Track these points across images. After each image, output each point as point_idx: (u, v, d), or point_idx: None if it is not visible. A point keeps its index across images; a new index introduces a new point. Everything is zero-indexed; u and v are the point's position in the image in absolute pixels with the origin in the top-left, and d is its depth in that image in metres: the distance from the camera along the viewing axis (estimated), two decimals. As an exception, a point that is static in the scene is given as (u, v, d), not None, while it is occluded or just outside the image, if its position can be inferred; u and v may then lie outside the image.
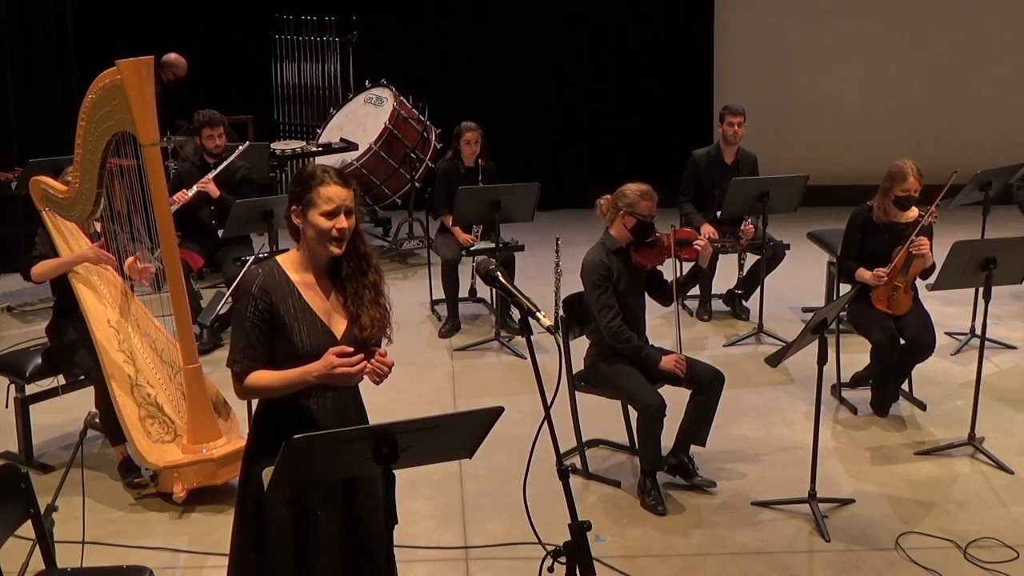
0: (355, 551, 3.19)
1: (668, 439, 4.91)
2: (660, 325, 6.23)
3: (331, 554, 3.15)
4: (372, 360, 3.11)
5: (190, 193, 6.63)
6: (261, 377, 3.06)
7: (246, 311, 3.05)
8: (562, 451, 3.24)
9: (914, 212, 5.60)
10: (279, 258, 3.16)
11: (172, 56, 9.09)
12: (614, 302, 4.83)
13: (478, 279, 7.37)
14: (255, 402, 3.43)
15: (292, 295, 3.08)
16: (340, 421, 3.12)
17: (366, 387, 3.26)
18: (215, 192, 6.72)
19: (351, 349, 2.98)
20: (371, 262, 3.18)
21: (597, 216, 4.98)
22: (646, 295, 5.08)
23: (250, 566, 3.18)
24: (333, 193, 3.04)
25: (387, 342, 3.23)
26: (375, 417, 3.29)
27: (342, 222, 3.05)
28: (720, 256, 7.04)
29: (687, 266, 5.13)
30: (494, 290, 6.61)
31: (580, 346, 5.07)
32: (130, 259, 5.09)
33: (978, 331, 5.71)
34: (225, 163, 6.87)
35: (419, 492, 4.90)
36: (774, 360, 4.67)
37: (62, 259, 5.01)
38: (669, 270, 5.06)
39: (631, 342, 4.83)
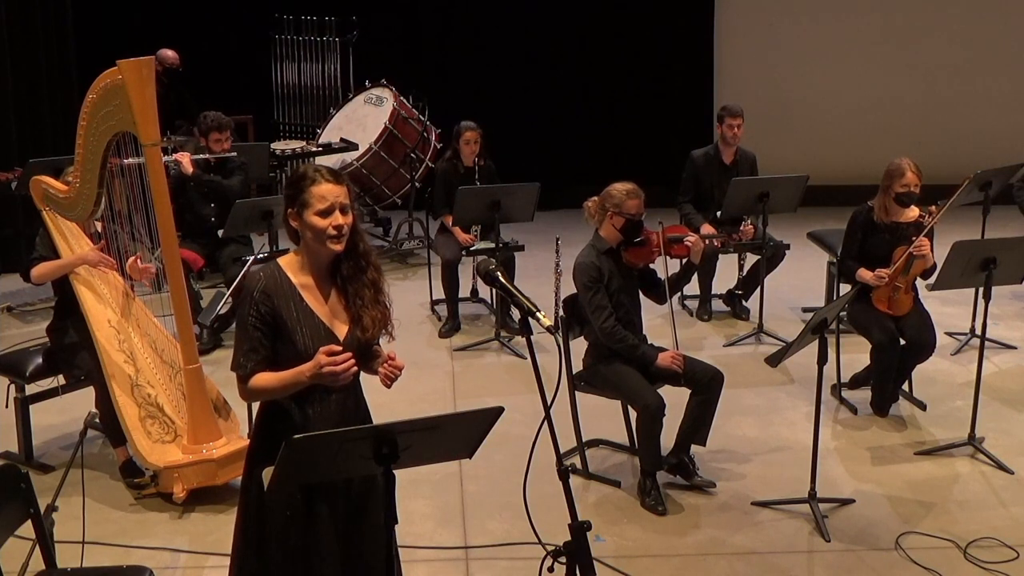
0: (358, 553, 3.19)
1: (668, 439, 4.91)
2: (660, 325, 6.24)
3: (334, 556, 3.15)
4: (384, 364, 3.14)
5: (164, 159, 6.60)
6: (262, 379, 3.07)
7: (248, 315, 3.05)
8: (562, 451, 3.24)
9: (914, 212, 5.60)
10: (280, 260, 3.16)
11: (160, 50, 9.05)
12: (607, 302, 4.83)
13: (479, 279, 7.37)
14: (255, 404, 3.43)
15: (294, 298, 3.08)
16: (343, 423, 3.11)
17: (366, 387, 3.27)
18: (188, 168, 6.69)
19: (339, 348, 2.98)
20: (370, 259, 3.18)
21: (586, 219, 5.00)
22: (641, 294, 5.08)
23: (252, 569, 3.18)
24: (326, 191, 3.04)
25: (389, 339, 3.23)
26: (375, 417, 3.29)
27: (338, 219, 3.04)
28: (720, 256, 7.05)
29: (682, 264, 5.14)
30: (494, 290, 6.61)
31: (580, 346, 5.07)
32: (131, 259, 5.09)
33: (978, 331, 5.71)
34: (220, 155, 6.90)
35: (419, 492, 4.90)
36: (774, 360, 4.67)
37: (62, 261, 5.00)
38: (663, 269, 5.06)
39: (626, 341, 4.84)
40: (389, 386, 3.16)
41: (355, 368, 2.99)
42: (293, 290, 3.09)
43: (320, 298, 3.12)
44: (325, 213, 3.03)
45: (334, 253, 3.09)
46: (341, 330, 3.12)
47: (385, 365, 3.14)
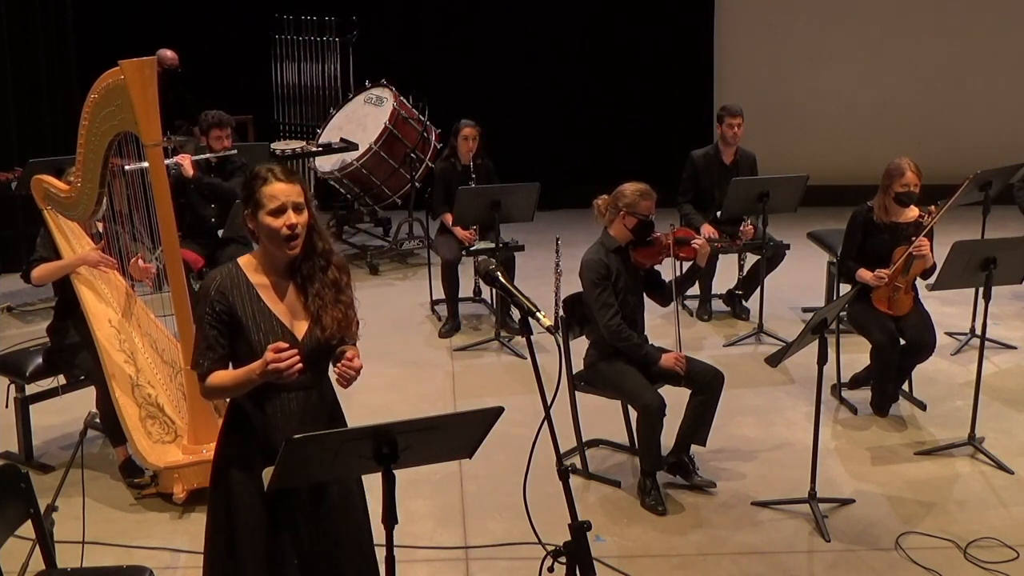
0: (327, 554, 3.20)
1: (668, 439, 4.92)
2: (660, 325, 6.24)
3: (302, 557, 3.16)
4: (339, 364, 3.12)
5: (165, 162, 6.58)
6: (218, 378, 3.07)
7: (204, 313, 3.06)
8: (562, 451, 3.24)
9: (914, 212, 5.60)
10: (240, 260, 3.15)
11: (160, 50, 9.04)
12: (613, 300, 4.84)
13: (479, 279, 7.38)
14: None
15: (250, 297, 3.08)
16: (305, 422, 3.11)
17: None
18: (189, 171, 6.67)
19: (286, 345, 2.96)
20: (330, 259, 3.16)
21: (595, 217, 5.01)
22: (645, 295, 5.09)
23: (225, 569, 3.19)
24: (277, 191, 3.03)
25: (351, 340, 3.21)
26: (375, 417, 3.29)
27: (291, 219, 3.03)
28: (720, 256, 7.04)
29: (686, 266, 5.15)
30: (494, 290, 6.61)
31: (580, 346, 5.07)
32: (134, 260, 5.09)
33: (978, 331, 5.72)
34: (220, 154, 6.89)
35: (419, 492, 4.90)
36: (774, 360, 4.67)
37: (62, 262, 5.00)
38: (667, 271, 5.07)
39: (630, 340, 4.84)
40: (345, 386, 3.13)
41: (300, 364, 2.95)
42: (250, 289, 3.08)
43: (279, 296, 3.12)
44: (277, 212, 3.03)
45: (289, 256, 3.08)
46: (301, 329, 3.11)
47: (340, 364, 3.11)
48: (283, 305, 3.11)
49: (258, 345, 3.03)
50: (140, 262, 5.10)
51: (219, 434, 3.22)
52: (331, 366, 3.20)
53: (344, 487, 3.20)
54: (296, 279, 3.14)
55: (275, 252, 3.09)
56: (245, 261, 3.14)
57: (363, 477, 3.07)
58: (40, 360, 5.22)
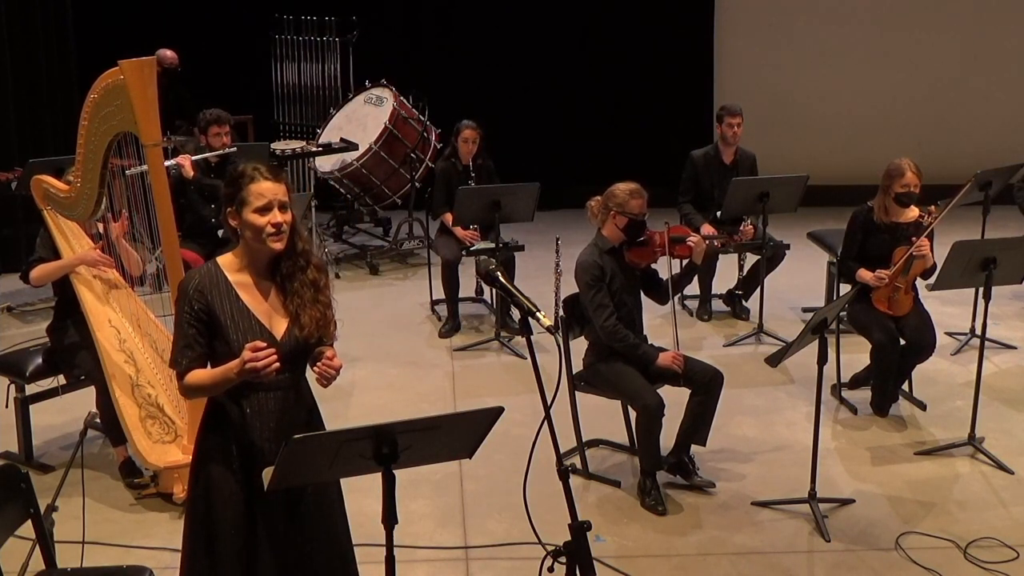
0: (303, 553, 3.20)
1: (668, 439, 4.92)
2: (660, 325, 6.24)
3: (279, 555, 3.16)
4: (319, 364, 3.12)
5: (166, 163, 6.58)
6: (196, 376, 3.08)
7: (183, 312, 3.07)
8: (562, 451, 3.25)
9: (914, 212, 5.60)
10: (219, 259, 3.16)
11: (159, 50, 9.03)
12: (608, 301, 4.84)
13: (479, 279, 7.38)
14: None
15: (229, 296, 3.08)
16: (283, 422, 3.12)
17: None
18: (189, 172, 6.66)
19: (264, 344, 2.96)
20: (309, 259, 3.17)
21: (589, 218, 5.01)
22: (642, 294, 5.09)
23: (202, 567, 3.20)
24: (264, 189, 3.06)
25: (329, 340, 3.21)
26: (375, 417, 3.29)
27: (276, 217, 3.06)
28: (720, 256, 7.04)
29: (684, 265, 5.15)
30: (494, 290, 6.61)
31: (580, 346, 5.07)
32: (116, 225, 5.06)
33: (978, 331, 5.72)
34: (219, 152, 6.88)
35: (419, 492, 4.90)
36: (774, 360, 4.67)
37: (61, 262, 5.00)
38: (665, 270, 5.06)
39: (627, 340, 4.84)
40: (325, 385, 3.14)
41: (277, 363, 2.96)
42: (229, 288, 3.09)
43: (258, 296, 3.12)
44: (263, 210, 3.05)
45: (273, 252, 3.09)
46: (280, 329, 3.12)
47: (320, 364, 3.11)
48: (262, 304, 3.12)
49: (236, 344, 3.03)
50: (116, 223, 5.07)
51: (198, 431, 3.23)
52: (309, 367, 3.20)
53: (320, 486, 3.21)
54: (276, 278, 3.16)
55: (258, 249, 3.10)
56: (225, 260, 3.14)
57: (362, 477, 3.08)
58: (40, 360, 5.22)
